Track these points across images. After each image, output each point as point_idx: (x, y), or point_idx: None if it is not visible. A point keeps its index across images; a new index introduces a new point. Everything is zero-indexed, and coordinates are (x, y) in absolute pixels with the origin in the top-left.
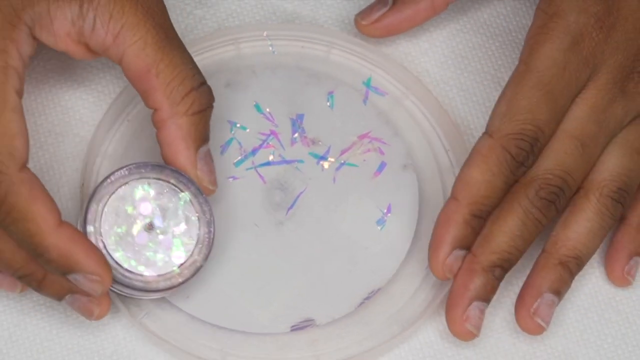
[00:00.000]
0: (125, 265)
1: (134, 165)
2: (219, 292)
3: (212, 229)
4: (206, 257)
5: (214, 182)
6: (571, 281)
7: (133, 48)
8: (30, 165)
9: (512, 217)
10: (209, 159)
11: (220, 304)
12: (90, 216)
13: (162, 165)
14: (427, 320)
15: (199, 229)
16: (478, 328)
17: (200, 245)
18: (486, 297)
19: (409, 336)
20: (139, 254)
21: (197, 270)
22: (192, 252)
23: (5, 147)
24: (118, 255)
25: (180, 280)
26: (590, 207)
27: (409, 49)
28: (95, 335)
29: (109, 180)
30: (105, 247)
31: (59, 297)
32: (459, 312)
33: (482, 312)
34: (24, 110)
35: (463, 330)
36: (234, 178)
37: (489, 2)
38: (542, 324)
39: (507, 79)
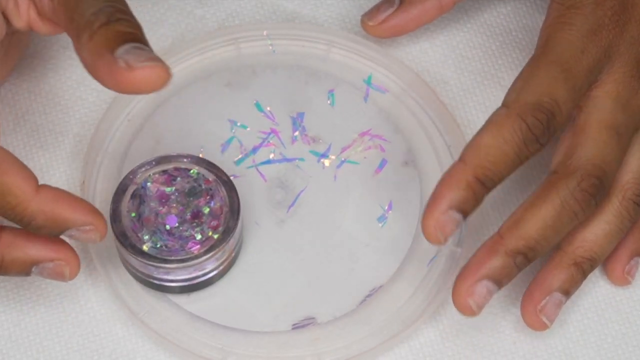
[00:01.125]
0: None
1: (137, 166)
2: (220, 290)
3: (233, 191)
4: (238, 217)
5: (153, 58)
6: (582, 282)
7: None
8: (30, 164)
9: (547, 206)
10: (139, 51)
11: (221, 303)
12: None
13: (163, 157)
14: (429, 319)
15: (221, 192)
16: (480, 307)
17: (227, 209)
18: (499, 280)
19: (410, 335)
20: (176, 237)
21: (233, 231)
22: (224, 215)
23: None
24: (159, 243)
25: (222, 244)
26: (611, 209)
27: (410, 49)
28: (95, 334)
29: (121, 187)
30: (142, 239)
31: (25, 272)
32: (466, 284)
33: (490, 293)
34: (24, 109)
35: (464, 304)
36: (235, 177)
37: (489, 2)
38: (547, 322)
39: (507, 78)
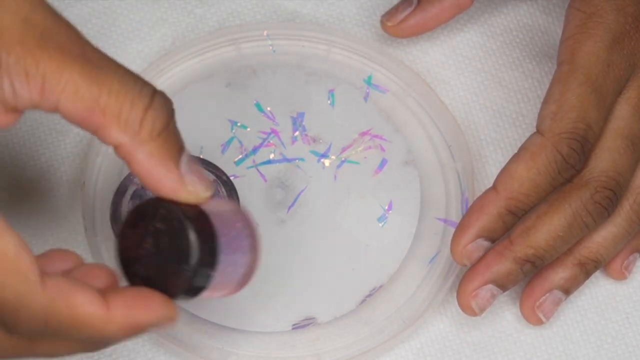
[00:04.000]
0: None
1: None
2: None
3: (233, 191)
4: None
5: (208, 185)
6: (584, 282)
7: (65, 95)
8: (31, 163)
9: (559, 216)
10: (193, 166)
11: (221, 303)
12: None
13: None
14: (429, 318)
15: (220, 193)
16: (482, 309)
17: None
18: (504, 284)
19: (410, 334)
20: None
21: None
22: None
23: (13, 271)
24: None
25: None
26: (621, 213)
27: (410, 48)
28: None
29: (121, 188)
30: None
31: None
32: (471, 287)
33: (494, 297)
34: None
35: (467, 305)
36: (235, 177)
37: (490, 1)
38: (543, 318)
39: (508, 78)
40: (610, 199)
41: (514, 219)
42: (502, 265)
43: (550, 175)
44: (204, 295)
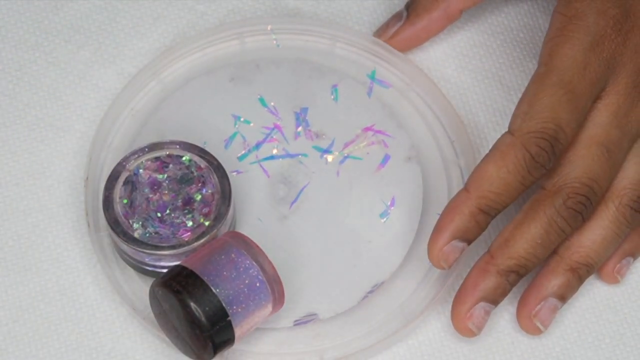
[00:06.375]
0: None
1: (130, 153)
2: None
3: (224, 177)
4: (229, 203)
5: None
6: (578, 287)
7: None
8: (31, 159)
9: (535, 224)
10: None
11: None
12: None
13: (156, 143)
14: (429, 316)
15: (212, 178)
16: (479, 328)
17: (218, 195)
18: (494, 299)
19: (411, 330)
20: (167, 224)
21: (224, 217)
22: (215, 201)
23: None
24: (151, 229)
25: (214, 230)
26: (608, 215)
27: None
28: (94, 332)
29: (114, 174)
30: (133, 226)
31: None
32: (464, 309)
33: (488, 313)
34: (24, 102)
35: (464, 327)
36: (238, 172)
37: (490, 0)
38: (541, 327)
39: (508, 77)
40: (583, 204)
41: (487, 218)
42: (488, 281)
43: (519, 173)
44: (242, 333)
